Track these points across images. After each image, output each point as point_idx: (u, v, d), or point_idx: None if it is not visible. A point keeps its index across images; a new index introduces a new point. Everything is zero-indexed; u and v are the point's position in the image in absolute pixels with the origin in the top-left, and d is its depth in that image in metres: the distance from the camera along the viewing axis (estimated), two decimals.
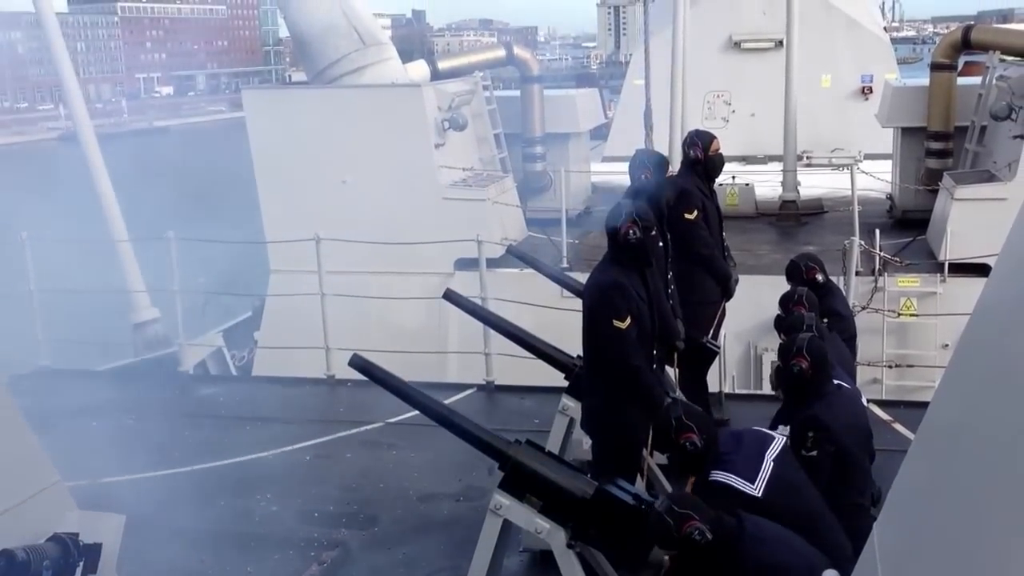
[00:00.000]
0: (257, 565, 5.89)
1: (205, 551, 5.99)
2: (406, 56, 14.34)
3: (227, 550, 6.03)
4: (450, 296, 6.52)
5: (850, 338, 6.29)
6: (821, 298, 6.16)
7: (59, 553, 3.23)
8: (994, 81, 12.33)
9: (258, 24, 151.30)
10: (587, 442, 5.66)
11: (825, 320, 5.90)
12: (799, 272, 6.44)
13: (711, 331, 6.98)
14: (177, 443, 7.78)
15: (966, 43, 13.56)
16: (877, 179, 13.56)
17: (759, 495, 4.14)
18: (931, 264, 11.26)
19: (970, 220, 10.75)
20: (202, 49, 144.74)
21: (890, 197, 14.22)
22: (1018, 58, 12.98)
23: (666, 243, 6.24)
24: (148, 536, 6.08)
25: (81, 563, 3.30)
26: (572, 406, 5.88)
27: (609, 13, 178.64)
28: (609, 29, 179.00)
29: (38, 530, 3.34)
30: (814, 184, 14.62)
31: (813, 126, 16.27)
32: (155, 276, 9.94)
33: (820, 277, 6.37)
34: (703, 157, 6.98)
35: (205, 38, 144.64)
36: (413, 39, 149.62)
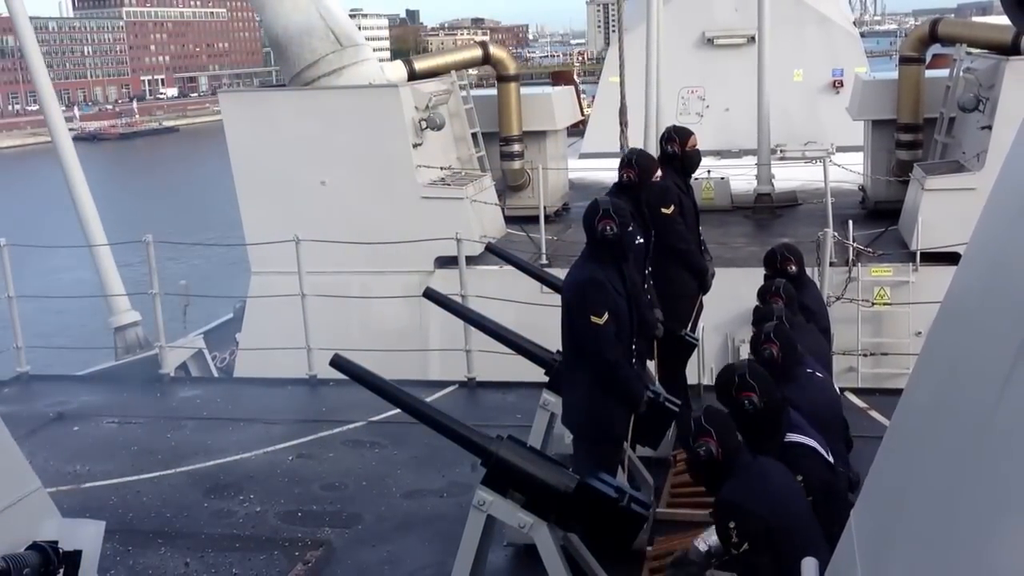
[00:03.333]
0: (242, 566, 5.90)
1: (189, 553, 6.01)
2: (403, 55, 14.38)
3: (211, 551, 6.05)
4: (430, 294, 6.56)
5: (823, 331, 6.39)
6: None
7: (39, 561, 3.24)
8: (961, 73, 12.49)
9: (258, 26, 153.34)
10: (568, 436, 5.71)
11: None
12: (775, 261, 6.54)
13: (689, 324, 7.08)
14: (159, 445, 7.78)
15: (933, 36, 13.75)
16: (849, 171, 13.73)
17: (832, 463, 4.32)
18: (903, 253, 11.42)
19: (940, 210, 10.91)
20: (204, 51, 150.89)
21: (862, 188, 14.40)
22: (984, 50, 13.16)
23: (649, 239, 6.33)
24: (132, 539, 6.11)
25: (61, 570, 3.31)
26: (553, 401, 5.93)
27: (599, 10, 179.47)
28: (599, 26, 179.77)
29: (19, 538, 3.34)
30: (788, 177, 14.76)
31: (786, 120, 16.43)
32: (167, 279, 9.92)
33: (792, 268, 6.46)
34: (680, 153, 7.07)
35: (207, 40, 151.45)
36: (408, 38, 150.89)
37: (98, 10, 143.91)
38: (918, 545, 1.87)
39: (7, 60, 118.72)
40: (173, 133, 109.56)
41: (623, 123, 12.96)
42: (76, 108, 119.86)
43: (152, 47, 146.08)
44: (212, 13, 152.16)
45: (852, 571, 2.32)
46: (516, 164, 14.27)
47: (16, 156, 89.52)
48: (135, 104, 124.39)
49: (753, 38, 15.86)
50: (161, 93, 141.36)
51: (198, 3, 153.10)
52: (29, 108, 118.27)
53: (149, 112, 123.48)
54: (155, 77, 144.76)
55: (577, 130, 19.50)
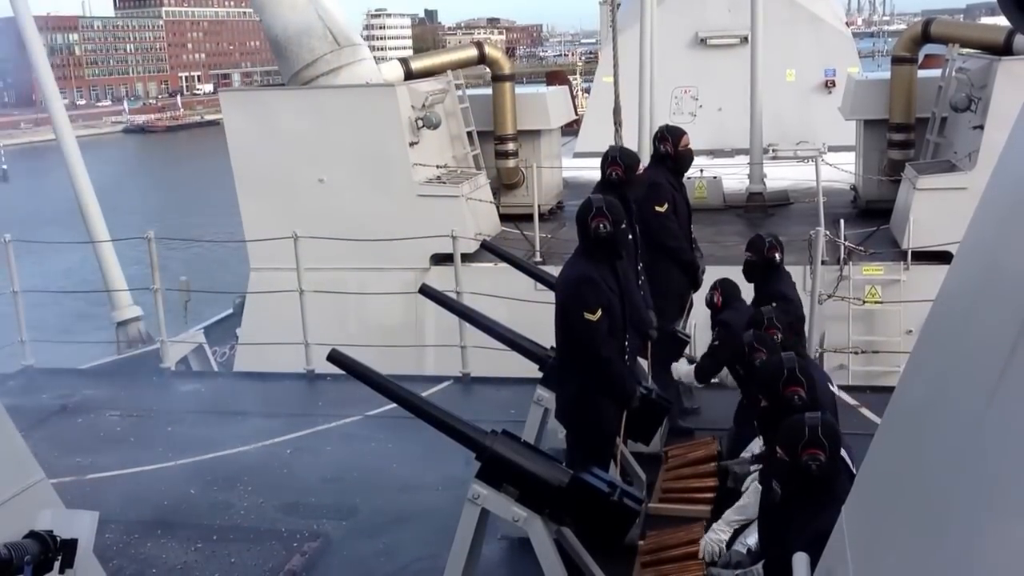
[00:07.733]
0: (240, 556, 5.99)
1: (189, 543, 6.11)
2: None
3: (210, 542, 6.14)
4: (426, 291, 6.63)
5: (796, 320, 6.44)
6: (769, 280, 6.42)
7: (38, 549, 3.33)
8: (954, 73, 12.60)
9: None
10: (562, 431, 5.79)
11: (773, 304, 6.05)
12: (761, 247, 6.58)
13: (681, 321, 7.19)
14: (160, 438, 7.87)
15: (926, 36, 13.85)
16: (841, 170, 13.85)
17: None
18: (894, 252, 11.54)
19: (932, 209, 11.02)
20: (237, 49, 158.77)
21: (854, 188, 14.51)
22: (976, 50, 13.27)
23: (635, 236, 6.42)
24: (133, 529, 6.22)
25: (59, 559, 3.41)
26: (547, 396, 6.00)
27: (612, 10, 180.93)
28: (611, 26, 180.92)
29: (23, 527, 3.42)
30: (780, 176, 14.88)
31: (778, 120, 16.54)
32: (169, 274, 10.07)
33: (778, 256, 6.55)
34: (673, 152, 7.16)
35: (240, 39, 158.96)
36: (427, 37, 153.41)
37: (138, 9, 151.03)
38: (909, 542, 1.89)
39: (55, 57, 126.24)
40: (214, 126, 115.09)
41: (617, 123, 13.05)
42: (124, 102, 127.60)
43: (189, 45, 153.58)
44: (245, 13, 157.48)
45: (843, 568, 2.34)
46: (511, 163, 14.38)
47: (52, 148, 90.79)
48: (179, 99, 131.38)
49: (746, 38, 15.98)
50: (198, 89, 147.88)
51: (232, 3, 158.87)
52: (78, 103, 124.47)
53: (190, 107, 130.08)
54: (192, 74, 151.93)
55: (571, 129, 19.61)
